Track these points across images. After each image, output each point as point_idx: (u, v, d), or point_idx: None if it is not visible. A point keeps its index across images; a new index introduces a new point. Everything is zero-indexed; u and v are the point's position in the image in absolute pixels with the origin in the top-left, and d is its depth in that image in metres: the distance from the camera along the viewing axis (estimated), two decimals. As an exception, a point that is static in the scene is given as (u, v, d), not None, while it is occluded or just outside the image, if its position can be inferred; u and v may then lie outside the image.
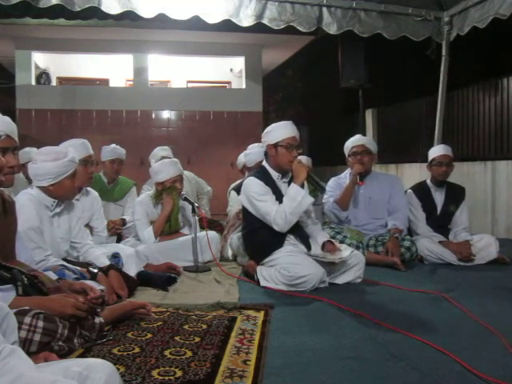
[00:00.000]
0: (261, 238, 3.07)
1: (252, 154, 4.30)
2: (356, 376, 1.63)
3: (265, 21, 4.25)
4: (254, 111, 7.87)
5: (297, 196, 2.91)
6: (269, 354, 1.80)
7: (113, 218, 3.96)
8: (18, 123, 2.06)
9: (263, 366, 1.69)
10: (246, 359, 1.74)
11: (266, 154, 3.17)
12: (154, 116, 7.72)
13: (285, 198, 2.96)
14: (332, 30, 4.50)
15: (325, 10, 4.44)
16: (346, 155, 3.97)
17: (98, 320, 1.90)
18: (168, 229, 3.64)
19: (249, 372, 1.63)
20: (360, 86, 6.34)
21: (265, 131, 3.15)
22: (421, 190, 3.98)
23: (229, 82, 8.67)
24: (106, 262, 2.65)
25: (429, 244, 3.70)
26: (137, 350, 1.83)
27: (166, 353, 1.80)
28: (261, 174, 3.12)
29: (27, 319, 1.60)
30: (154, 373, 1.61)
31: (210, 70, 8.45)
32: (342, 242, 3.53)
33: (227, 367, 1.67)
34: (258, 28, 4.43)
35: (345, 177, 4.02)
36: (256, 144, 4.43)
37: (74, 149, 3.02)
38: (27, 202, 2.39)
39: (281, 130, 3.05)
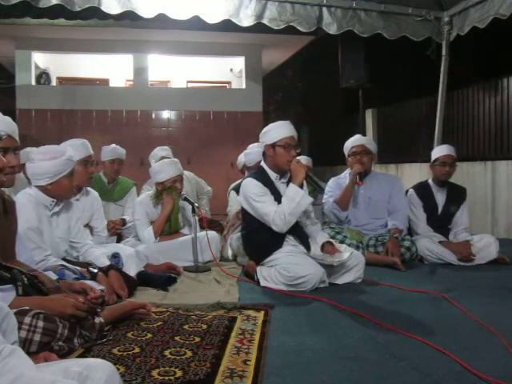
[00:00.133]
0: (260, 239, 3.07)
1: (252, 153, 4.30)
2: (356, 376, 1.63)
3: (265, 21, 4.25)
4: (254, 111, 7.87)
5: (295, 196, 2.90)
6: (269, 354, 1.80)
7: (113, 217, 3.96)
8: (18, 123, 2.06)
9: (263, 366, 1.69)
10: (245, 359, 1.74)
11: (264, 154, 3.16)
12: (153, 116, 7.72)
13: (283, 198, 2.95)
14: (332, 30, 4.50)
15: (325, 10, 4.44)
16: (346, 155, 3.97)
17: (97, 320, 1.90)
18: (168, 229, 3.64)
19: (249, 372, 1.63)
20: (360, 86, 6.34)
21: (262, 131, 3.14)
22: (422, 190, 3.98)
23: (229, 82, 8.67)
24: (105, 262, 2.65)
25: (429, 244, 3.70)
26: (137, 349, 1.83)
27: (166, 353, 1.80)
28: (259, 174, 3.11)
29: (27, 319, 1.60)
30: (154, 373, 1.61)
31: (209, 69, 8.45)
32: (341, 242, 3.53)
33: (227, 367, 1.67)
34: (258, 28, 4.43)
35: (344, 177, 4.02)
36: (256, 143, 4.43)
37: (74, 149, 3.03)
38: (26, 202, 2.39)
39: (278, 130, 3.04)
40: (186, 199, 3.59)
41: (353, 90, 6.75)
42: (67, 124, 7.30)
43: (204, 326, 2.12)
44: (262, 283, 2.93)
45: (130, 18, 4.41)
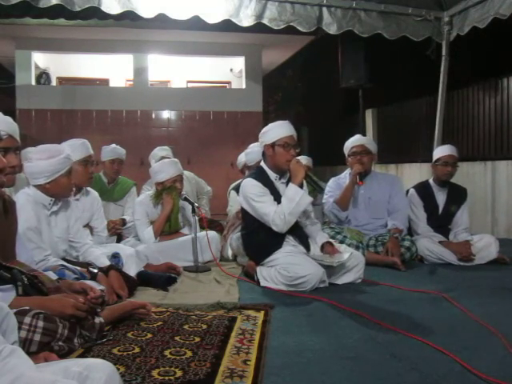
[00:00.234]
0: (260, 239, 3.07)
1: (253, 152, 4.29)
2: (356, 376, 1.63)
3: (265, 21, 4.25)
4: (254, 111, 7.87)
5: (295, 196, 2.90)
6: (269, 354, 1.80)
7: (113, 217, 3.96)
8: (18, 123, 2.06)
9: (263, 366, 1.69)
10: (245, 359, 1.74)
11: (263, 154, 3.16)
12: (153, 116, 7.72)
13: (283, 198, 2.95)
14: (332, 30, 4.50)
15: (325, 10, 4.44)
16: (346, 155, 3.97)
17: (97, 320, 1.90)
18: (168, 229, 3.65)
19: (249, 372, 1.63)
20: (360, 86, 6.34)
21: (262, 131, 3.14)
22: (423, 190, 3.98)
23: (229, 82, 8.67)
24: (106, 262, 2.65)
25: (429, 244, 3.70)
26: (137, 349, 1.83)
27: (166, 353, 1.80)
28: (258, 174, 3.11)
29: (27, 319, 1.60)
30: (154, 373, 1.61)
31: (209, 70, 8.46)
32: (341, 242, 3.54)
33: (227, 367, 1.67)
34: (258, 28, 4.43)
35: (344, 177, 4.02)
36: (257, 143, 4.42)
37: (74, 149, 3.05)
38: (25, 202, 2.39)
39: (277, 130, 3.04)
40: (186, 199, 3.59)
41: (353, 90, 6.75)
42: (67, 124, 7.30)
43: (204, 326, 2.12)
44: (262, 283, 2.93)
45: (130, 18, 4.41)
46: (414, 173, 6.82)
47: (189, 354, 1.79)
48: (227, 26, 4.36)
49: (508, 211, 5.26)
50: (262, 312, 2.34)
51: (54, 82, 7.85)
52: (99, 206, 3.32)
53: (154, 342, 1.91)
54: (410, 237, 3.79)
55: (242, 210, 3.20)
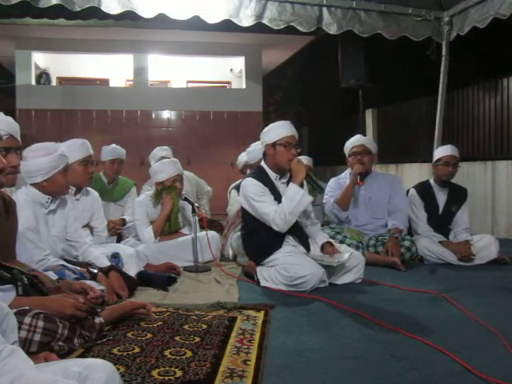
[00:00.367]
0: (260, 239, 3.07)
1: (255, 151, 4.29)
2: (356, 376, 1.63)
3: (265, 21, 4.25)
4: (254, 111, 7.87)
5: (296, 195, 2.90)
6: (269, 354, 1.80)
7: (113, 217, 3.96)
8: (17, 123, 2.06)
9: (263, 366, 1.69)
10: (245, 359, 1.74)
11: (264, 154, 3.17)
12: (153, 116, 7.72)
13: (284, 197, 2.95)
14: (332, 30, 4.50)
15: (325, 10, 4.44)
16: (346, 155, 3.97)
17: (97, 320, 1.90)
18: (168, 229, 3.65)
19: (249, 372, 1.63)
20: (360, 86, 6.34)
21: (263, 131, 3.15)
22: (424, 190, 3.98)
23: (229, 82, 8.67)
24: (106, 263, 2.65)
25: (429, 244, 3.70)
26: (137, 349, 1.83)
27: (166, 353, 1.80)
28: (259, 174, 3.11)
29: (27, 319, 1.60)
30: (154, 373, 1.61)
31: (209, 70, 8.46)
32: (341, 242, 3.54)
33: (227, 367, 1.67)
34: (258, 28, 4.43)
35: (345, 177, 4.02)
36: (259, 142, 4.42)
37: (74, 149, 3.05)
38: (24, 202, 2.39)
39: (279, 129, 3.05)
40: (185, 199, 3.59)
41: (353, 90, 6.76)
42: (67, 124, 7.30)
43: (204, 326, 2.12)
44: (262, 283, 2.93)
45: (129, 17, 4.42)
46: (414, 173, 6.82)
47: (189, 353, 1.79)
48: (227, 26, 4.36)
49: (508, 211, 5.26)
50: (262, 312, 2.34)
51: (54, 82, 7.85)
52: (99, 206, 3.32)
53: (154, 342, 1.91)
54: (410, 237, 3.79)
55: (242, 210, 3.20)
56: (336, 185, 4.00)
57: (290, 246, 3.03)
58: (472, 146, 6.29)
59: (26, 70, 7.30)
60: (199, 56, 7.98)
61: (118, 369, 1.59)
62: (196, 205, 3.57)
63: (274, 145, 3.03)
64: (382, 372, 1.66)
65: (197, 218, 3.54)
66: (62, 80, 8.09)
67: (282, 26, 4.34)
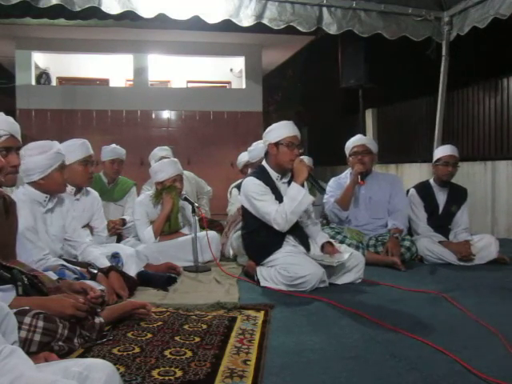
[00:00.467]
0: (260, 239, 3.07)
1: (256, 149, 4.29)
2: (356, 376, 1.63)
3: (265, 21, 4.25)
4: (254, 111, 7.87)
5: (297, 195, 2.90)
6: (269, 354, 1.80)
7: (113, 218, 3.96)
8: (18, 123, 2.06)
9: (263, 366, 1.69)
10: (245, 359, 1.74)
11: (266, 153, 3.17)
12: (153, 116, 7.72)
13: (285, 197, 2.95)
14: (332, 30, 4.50)
15: (325, 10, 4.44)
16: (347, 155, 3.97)
17: (97, 320, 1.90)
18: (168, 229, 3.65)
19: (249, 372, 1.63)
20: (360, 86, 6.34)
21: (266, 130, 3.15)
22: (424, 190, 3.98)
23: (229, 82, 8.67)
24: (105, 263, 2.65)
25: (429, 244, 3.70)
26: (137, 349, 1.83)
27: (166, 353, 1.80)
28: (260, 173, 3.11)
29: (27, 319, 1.60)
30: (154, 373, 1.61)
31: (209, 70, 8.46)
32: (341, 242, 3.54)
33: (227, 367, 1.67)
34: (258, 28, 4.43)
35: (345, 177, 4.02)
36: (260, 141, 4.43)
37: (74, 149, 3.05)
38: (21, 203, 2.39)
39: (282, 129, 3.06)
40: (185, 199, 3.59)
41: (353, 90, 6.75)
42: (67, 124, 7.30)
43: (204, 326, 2.12)
44: (262, 283, 2.93)
45: (129, 17, 4.42)
46: (414, 173, 6.82)
47: (189, 353, 1.79)
48: (227, 26, 4.36)
49: (508, 211, 5.26)
50: (262, 312, 2.34)
51: (54, 82, 7.84)
52: (99, 206, 3.32)
53: (154, 342, 1.91)
54: (410, 237, 3.79)
55: (243, 210, 3.20)
56: (336, 184, 4.00)
57: (290, 246, 3.03)
58: (472, 145, 6.29)
59: (26, 70, 7.30)
60: (199, 56, 7.98)
61: (118, 369, 1.59)
62: (196, 205, 3.57)
63: (277, 144, 3.03)
64: (381, 372, 1.66)
65: (197, 217, 3.54)
66: (61, 80, 8.09)
67: (282, 26, 4.34)
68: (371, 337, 2.01)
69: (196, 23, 4.25)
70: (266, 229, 2.99)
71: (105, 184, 4.22)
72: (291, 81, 12.95)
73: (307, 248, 3.10)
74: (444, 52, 5.02)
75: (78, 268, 2.43)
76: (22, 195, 2.44)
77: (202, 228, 3.77)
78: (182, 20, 4.11)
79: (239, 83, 8.39)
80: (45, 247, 2.43)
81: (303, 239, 3.13)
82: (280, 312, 2.38)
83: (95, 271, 2.47)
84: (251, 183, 3.05)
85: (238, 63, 8.28)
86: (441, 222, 3.89)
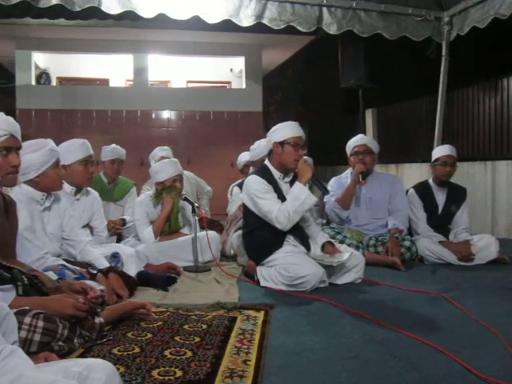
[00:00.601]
0: (260, 239, 3.07)
1: (259, 147, 4.28)
2: (356, 376, 1.63)
3: (265, 21, 4.25)
4: (254, 111, 7.86)
5: (301, 195, 2.91)
6: (269, 354, 1.80)
7: (113, 218, 3.95)
8: (18, 123, 2.06)
9: (263, 366, 1.69)
10: (245, 359, 1.74)
11: (270, 152, 3.17)
12: (153, 116, 7.72)
13: (288, 196, 2.96)
14: (332, 30, 4.50)
15: (325, 10, 4.44)
16: (348, 155, 3.96)
17: (97, 320, 1.90)
18: (168, 229, 3.65)
19: (249, 372, 1.63)
20: (360, 86, 6.34)
21: (271, 129, 3.15)
22: (423, 190, 3.98)
23: (229, 82, 8.67)
24: (104, 264, 2.64)
25: (429, 244, 3.70)
26: (137, 349, 1.83)
27: (166, 353, 1.80)
28: (262, 172, 3.12)
29: (27, 319, 1.60)
30: (154, 373, 1.61)
31: (209, 70, 8.46)
32: (341, 242, 3.54)
33: (227, 367, 1.67)
34: (258, 28, 4.43)
35: (346, 176, 4.02)
36: (263, 139, 4.43)
37: (74, 149, 3.05)
38: (18, 203, 2.39)
39: (288, 129, 3.07)
40: (185, 199, 3.59)
41: (353, 90, 6.75)
42: (67, 124, 7.30)
43: (204, 326, 2.12)
44: (262, 283, 2.93)
45: (129, 17, 4.42)
46: (414, 173, 6.82)
47: (189, 353, 1.79)
48: (227, 25, 4.36)
49: (508, 211, 5.26)
50: (262, 312, 2.34)
51: (54, 82, 7.84)
52: (99, 206, 3.32)
53: (154, 342, 1.91)
54: (410, 237, 3.79)
55: (244, 208, 3.20)
56: (337, 184, 4.00)
57: (290, 246, 3.03)
58: (472, 145, 6.29)
59: (26, 70, 7.30)
60: (199, 56, 7.98)
61: (118, 369, 1.59)
62: (196, 205, 3.57)
63: (282, 143, 3.04)
64: (381, 372, 1.66)
65: (197, 218, 3.54)
66: (61, 80, 8.09)
67: (282, 26, 4.34)
68: (371, 337, 2.01)
69: (196, 23, 4.25)
70: (267, 228, 2.99)
71: (105, 184, 4.22)
72: (291, 81, 12.94)
73: (307, 248, 3.10)
74: (444, 52, 5.02)
75: (78, 268, 2.43)
76: (19, 195, 2.44)
77: (202, 228, 3.77)
78: (182, 20, 4.11)
79: (239, 83, 8.39)
80: (43, 246, 2.42)
81: (303, 239, 3.13)
82: (280, 312, 2.38)
83: (95, 272, 2.47)
84: (254, 181, 3.06)
85: (238, 63, 8.28)
86: (440, 222, 3.89)
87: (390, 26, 4.71)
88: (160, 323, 2.16)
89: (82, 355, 1.74)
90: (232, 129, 7.75)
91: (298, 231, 3.11)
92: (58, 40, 7.23)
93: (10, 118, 2.01)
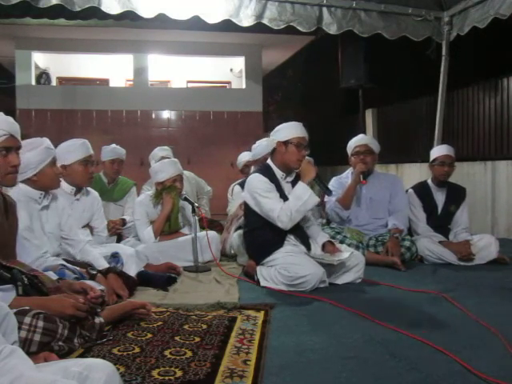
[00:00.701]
0: (261, 238, 3.07)
1: (260, 146, 4.28)
2: (356, 376, 1.63)
3: (265, 21, 4.25)
4: (254, 111, 7.87)
5: (303, 194, 2.92)
6: (269, 354, 1.80)
7: (113, 218, 3.96)
8: (17, 123, 2.06)
9: (263, 366, 1.69)
10: (245, 359, 1.74)
11: (273, 152, 3.17)
12: (153, 116, 7.72)
13: (291, 195, 2.97)
14: (332, 30, 4.50)
15: (325, 10, 4.44)
16: (349, 154, 3.97)
17: (97, 320, 1.90)
18: (168, 229, 3.65)
19: (249, 372, 1.63)
20: (360, 86, 6.34)
21: (275, 129, 3.16)
22: (422, 190, 3.98)
23: (229, 82, 8.67)
24: (104, 265, 2.64)
25: (429, 244, 3.70)
26: (137, 349, 1.83)
27: (166, 353, 1.80)
28: (265, 171, 3.12)
29: (27, 319, 1.60)
30: (154, 373, 1.61)
31: (209, 70, 8.45)
32: (341, 242, 3.54)
33: (227, 367, 1.67)
34: (258, 28, 4.43)
35: (346, 176, 4.03)
36: (265, 139, 4.43)
37: (74, 149, 3.05)
38: (17, 203, 2.39)
39: (292, 129, 3.08)
40: (185, 199, 3.59)
41: (353, 90, 6.75)
42: (67, 124, 7.30)
43: (204, 326, 2.12)
44: (262, 283, 2.93)
45: (129, 17, 4.41)
46: (414, 173, 6.82)
47: (189, 353, 1.79)
48: (227, 26, 4.36)
49: (508, 211, 5.26)
50: (262, 312, 2.34)
51: (54, 82, 7.84)
52: (99, 206, 3.32)
53: (154, 342, 1.91)
54: (410, 237, 3.79)
55: (245, 207, 3.20)
56: (338, 184, 4.00)
57: (290, 246, 3.03)
58: (472, 145, 6.29)
59: (26, 70, 7.30)
60: (199, 56, 7.98)
61: (118, 369, 1.59)
62: (196, 205, 3.57)
63: (285, 143, 3.05)
64: (381, 372, 1.66)
65: (197, 217, 3.54)
66: (61, 80, 8.09)
67: (282, 26, 4.34)
68: (371, 337, 2.01)
69: (196, 23, 4.25)
70: (268, 227, 3.00)
71: (105, 184, 4.22)
72: (291, 81, 12.95)
73: (308, 247, 3.10)
74: (444, 52, 5.02)
75: (78, 268, 2.43)
76: (17, 194, 2.44)
77: (202, 228, 3.77)
78: (182, 20, 4.12)
79: (239, 83, 8.38)
80: (42, 245, 2.42)
81: (304, 239, 3.13)
82: (280, 312, 2.38)
83: (94, 272, 2.47)
84: (257, 180, 3.06)
85: (238, 63, 8.28)
86: (440, 222, 3.89)
87: (390, 26, 4.71)
88: (160, 323, 2.16)
89: (82, 355, 1.74)
90: (232, 129, 7.75)
91: (299, 231, 3.11)
92: (58, 40, 7.23)
93: (10, 118, 2.01)
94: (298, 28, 4.38)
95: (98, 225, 3.29)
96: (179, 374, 1.61)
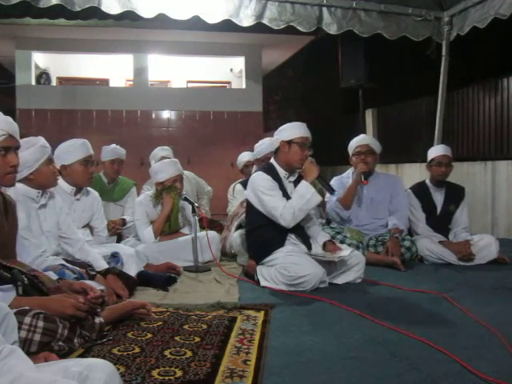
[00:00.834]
0: (263, 237, 3.07)
1: (263, 144, 4.28)
2: (356, 376, 1.63)
3: (265, 21, 4.25)
4: (254, 111, 7.87)
5: (307, 193, 2.94)
6: (269, 354, 1.80)
7: (113, 218, 3.96)
8: (17, 123, 2.05)
9: (263, 366, 1.69)
10: (245, 359, 1.74)
11: (276, 151, 3.18)
12: (154, 116, 7.72)
13: (294, 194, 2.99)
14: (332, 30, 4.50)
15: (325, 10, 4.44)
16: (350, 154, 3.97)
17: (98, 320, 1.90)
18: (168, 229, 3.65)
19: (249, 372, 1.63)
20: (360, 86, 6.33)
21: (279, 129, 3.18)
22: (420, 190, 3.99)
23: (229, 82, 8.67)
24: (103, 265, 2.64)
25: (429, 244, 3.70)
26: (137, 349, 1.83)
27: (166, 353, 1.80)
28: (268, 169, 3.13)
29: (27, 319, 1.60)
30: (154, 373, 1.61)
31: (209, 70, 8.45)
32: (342, 242, 3.54)
33: (227, 367, 1.67)
34: (258, 28, 4.43)
35: (347, 176, 4.03)
36: (266, 138, 4.43)
37: (75, 149, 3.05)
38: (17, 201, 2.39)
39: (296, 129, 3.11)
40: (186, 199, 3.59)
41: (353, 90, 6.75)
42: (67, 124, 7.29)
43: (204, 326, 2.12)
44: (262, 283, 2.93)
45: (129, 18, 4.42)
46: (414, 173, 6.82)
47: (189, 353, 1.79)
48: (227, 26, 4.36)
49: (508, 211, 5.26)
50: (262, 312, 2.34)
51: (54, 82, 7.84)
52: (99, 206, 3.32)
53: (153, 342, 1.91)
54: (410, 237, 3.79)
55: (248, 206, 3.21)
56: (339, 184, 4.00)
57: (291, 245, 3.03)
58: (472, 146, 6.29)
59: (26, 70, 7.30)
60: (199, 56, 7.98)
61: (118, 369, 1.59)
62: (196, 205, 3.58)
63: (289, 142, 3.07)
64: (381, 372, 1.66)
65: (197, 218, 3.55)
66: (61, 80, 8.09)
67: (282, 26, 4.34)
68: (371, 337, 2.01)
69: (196, 23, 4.25)
70: (270, 226, 3.01)
71: (105, 184, 4.22)
72: (291, 81, 12.95)
73: (308, 247, 3.11)
74: (444, 52, 5.02)
75: (78, 268, 2.43)
76: (15, 194, 2.44)
77: (202, 228, 3.77)
78: (182, 20, 4.11)
79: (239, 83, 8.38)
80: (40, 244, 2.42)
81: (305, 238, 3.14)
82: (280, 312, 2.38)
83: (94, 273, 2.47)
84: (260, 178, 3.07)
85: (238, 63, 8.28)
86: (440, 222, 3.89)
87: (390, 26, 4.71)
88: (160, 323, 2.16)
89: (82, 355, 1.74)
90: (232, 129, 7.75)
91: (300, 230, 3.12)
92: (58, 40, 7.22)
93: (8, 118, 2.01)
94: (298, 28, 4.38)
95: (98, 225, 3.29)
96: (179, 373, 1.61)
